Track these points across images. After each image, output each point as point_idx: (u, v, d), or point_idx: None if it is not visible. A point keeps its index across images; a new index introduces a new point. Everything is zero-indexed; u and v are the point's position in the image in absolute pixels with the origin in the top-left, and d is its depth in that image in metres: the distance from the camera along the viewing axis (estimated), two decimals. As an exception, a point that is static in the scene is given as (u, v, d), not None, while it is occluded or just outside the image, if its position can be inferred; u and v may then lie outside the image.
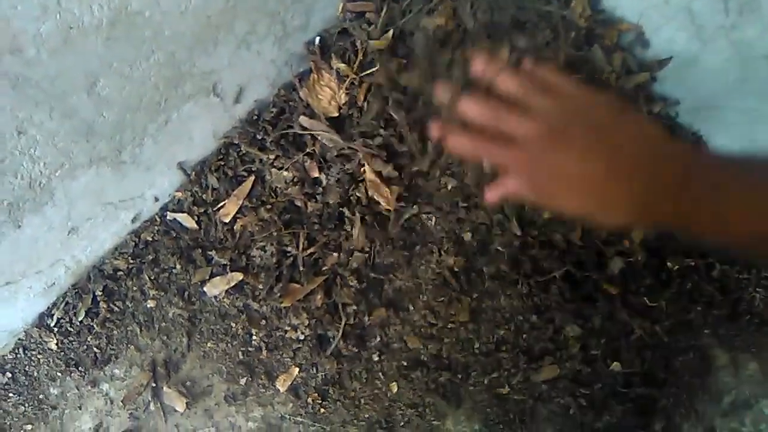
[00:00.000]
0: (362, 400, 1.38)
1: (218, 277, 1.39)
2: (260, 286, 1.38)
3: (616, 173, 0.57)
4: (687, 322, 1.38)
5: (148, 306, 1.42)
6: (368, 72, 1.37)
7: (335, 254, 1.39)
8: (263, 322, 1.40)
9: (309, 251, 1.39)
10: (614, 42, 1.34)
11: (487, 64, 0.65)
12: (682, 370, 1.40)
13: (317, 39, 1.39)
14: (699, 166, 0.57)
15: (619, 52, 1.34)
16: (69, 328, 1.42)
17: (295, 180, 1.39)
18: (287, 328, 1.38)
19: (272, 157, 1.39)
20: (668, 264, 1.36)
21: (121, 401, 1.39)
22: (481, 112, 0.63)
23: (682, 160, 0.58)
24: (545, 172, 0.60)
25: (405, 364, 1.38)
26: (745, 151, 0.60)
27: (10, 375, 1.43)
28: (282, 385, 1.37)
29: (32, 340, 1.42)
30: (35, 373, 1.42)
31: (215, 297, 1.40)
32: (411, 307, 1.40)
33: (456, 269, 1.39)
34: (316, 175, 1.39)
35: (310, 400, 1.37)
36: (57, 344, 1.42)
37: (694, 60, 1.25)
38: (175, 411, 1.39)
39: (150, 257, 1.43)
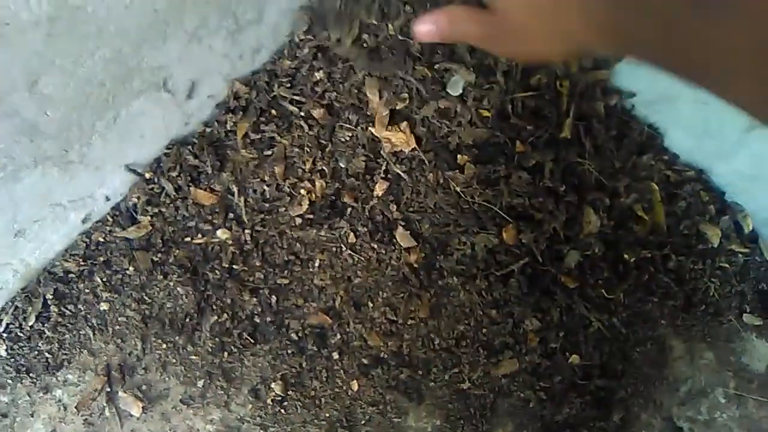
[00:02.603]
0: (323, 399, 1.37)
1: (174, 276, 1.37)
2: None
3: None
4: (644, 313, 1.40)
5: (101, 309, 1.38)
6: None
7: (293, 252, 1.38)
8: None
9: (266, 250, 1.37)
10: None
11: None
12: (640, 361, 1.42)
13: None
14: None
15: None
16: (19, 334, 1.37)
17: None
18: (245, 328, 1.37)
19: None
20: (625, 256, 1.38)
21: (75, 407, 1.35)
22: None
23: None
24: None
25: (365, 361, 1.37)
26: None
27: (-43, 383, 1.38)
28: (240, 386, 1.35)
29: (-20, 347, 1.38)
30: (-16, 381, 1.38)
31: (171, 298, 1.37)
32: (370, 304, 1.38)
33: (415, 265, 1.38)
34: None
35: (269, 400, 1.35)
36: (6, 350, 1.37)
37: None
38: (131, 416, 1.35)
39: (102, 259, 1.39)
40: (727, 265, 1.43)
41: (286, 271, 1.39)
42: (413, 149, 1.35)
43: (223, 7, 1.21)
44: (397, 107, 1.36)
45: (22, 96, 0.99)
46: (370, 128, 1.36)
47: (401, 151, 1.36)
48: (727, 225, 1.43)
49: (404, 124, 1.35)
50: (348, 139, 1.37)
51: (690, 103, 1.29)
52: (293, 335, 1.38)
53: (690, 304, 1.41)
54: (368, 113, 1.37)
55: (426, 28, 0.59)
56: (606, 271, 1.38)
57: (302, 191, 1.38)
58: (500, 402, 1.38)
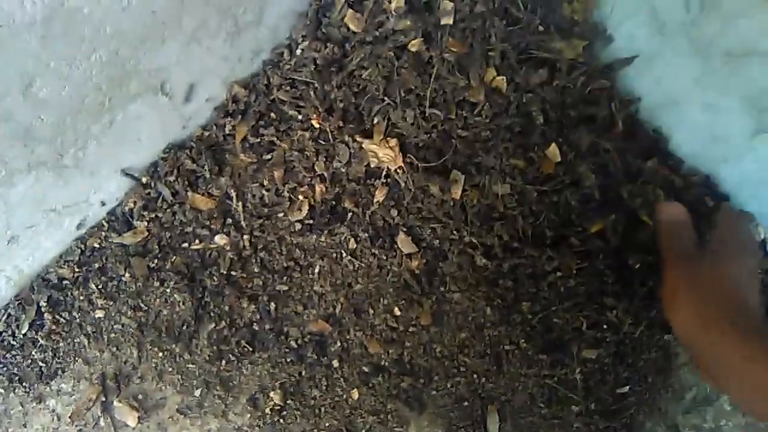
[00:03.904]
0: (322, 409, 1.34)
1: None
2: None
3: None
4: (648, 319, 1.37)
5: (96, 316, 1.35)
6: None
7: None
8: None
9: (265, 256, 1.34)
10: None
11: None
12: (645, 369, 1.40)
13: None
14: None
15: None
16: (12, 342, 1.34)
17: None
18: (244, 335, 1.34)
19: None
20: (629, 262, 1.36)
21: (69, 417, 1.32)
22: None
23: None
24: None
25: (366, 370, 1.35)
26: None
27: (-52, 393, 1.35)
28: (239, 395, 1.33)
29: (-28, 356, 1.35)
30: (-24, 391, 1.35)
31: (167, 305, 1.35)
32: (371, 311, 1.36)
33: (417, 271, 1.36)
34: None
35: (268, 410, 1.33)
36: (-1, 359, 1.34)
37: (655, 56, 1.25)
38: (127, 426, 1.32)
39: (97, 265, 1.36)
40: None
41: (285, 278, 1.37)
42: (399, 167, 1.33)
43: (223, 9, 1.19)
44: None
45: (15, 99, 0.97)
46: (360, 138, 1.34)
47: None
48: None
49: (393, 141, 1.33)
50: (349, 143, 1.34)
51: (696, 106, 1.27)
52: (292, 343, 1.35)
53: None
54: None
55: (675, 210, 1.13)
56: (609, 277, 1.36)
57: (301, 196, 1.36)
58: (503, 411, 1.36)
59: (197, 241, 1.37)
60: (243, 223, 1.37)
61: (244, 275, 1.36)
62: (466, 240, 1.34)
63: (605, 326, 1.36)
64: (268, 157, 1.38)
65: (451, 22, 1.28)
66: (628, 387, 1.39)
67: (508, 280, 1.35)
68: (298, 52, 1.38)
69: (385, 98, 1.32)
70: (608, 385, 1.38)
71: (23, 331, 1.34)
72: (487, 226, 1.34)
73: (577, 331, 1.36)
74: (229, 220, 1.38)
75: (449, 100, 1.32)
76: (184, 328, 1.35)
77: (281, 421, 1.33)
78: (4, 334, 1.34)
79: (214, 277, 1.36)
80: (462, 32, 1.30)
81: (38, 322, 1.35)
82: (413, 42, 1.30)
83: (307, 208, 1.35)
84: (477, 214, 1.33)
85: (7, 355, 1.34)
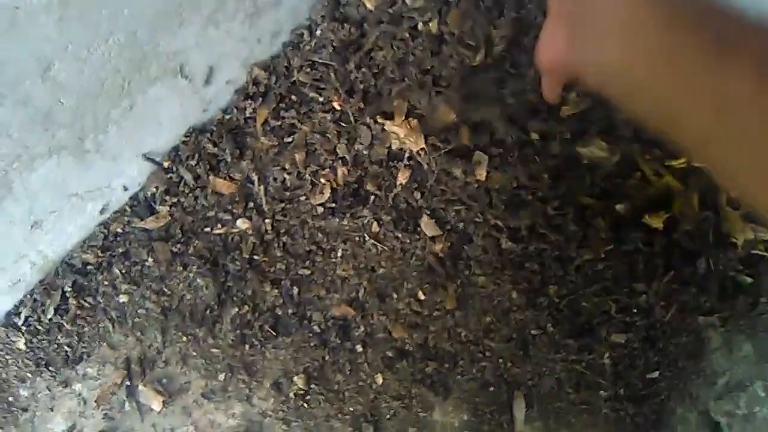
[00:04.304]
0: (346, 393, 1.33)
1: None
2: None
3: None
4: (680, 303, 1.34)
5: (121, 301, 1.35)
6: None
7: (315, 242, 1.34)
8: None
9: (287, 240, 1.33)
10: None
11: None
12: (676, 354, 1.36)
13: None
14: None
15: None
16: (38, 327, 1.35)
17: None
18: (267, 320, 1.33)
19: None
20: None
21: (95, 401, 1.33)
22: None
23: None
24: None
25: (389, 354, 1.33)
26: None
27: (-23, 377, 1.36)
28: (262, 379, 1.32)
29: (-1, 340, 1.36)
30: (4, 375, 1.36)
31: (191, 290, 1.35)
32: (395, 295, 1.34)
33: (441, 255, 1.33)
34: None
35: (292, 394, 1.32)
36: (26, 344, 1.35)
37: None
38: (152, 410, 1.33)
39: (120, 250, 1.36)
40: (765, 254, 1.37)
41: (307, 262, 1.36)
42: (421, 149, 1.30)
43: (241, -11, 1.17)
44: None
45: (34, 83, 0.96)
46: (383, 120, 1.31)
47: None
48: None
49: (415, 122, 1.30)
50: (371, 124, 1.32)
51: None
52: (315, 327, 1.34)
53: (726, 295, 1.35)
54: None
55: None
56: (639, 260, 1.32)
57: (323, 179, 1.34)
58: (530, 396, 1.34)
59: (219, 226, 1.36)
60: (265, 207, 1.36)
61: (267, 259, 1.35)
62: (491, 222, 1.31)
63: (635, 310, 1.33)
64: (290, 140, 1.36)
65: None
66: (658, 372, 1.36)
67: (535, 263, 1.32)
68: (318, 32, 1.36)
69: (405, 79, 1.30)
70: (638, 370, 1.35)
71: (49, 316, 1.35)
72: (512, 208, 1.31)
73: (605, 315, 1.33)
74: (251, 204, 1.37)
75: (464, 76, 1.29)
76: (208, 312, 1.35)
77: (305, 405, 1.32)
78: (30, 318, 1.35)
79: (237, 262, 1.35)
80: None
81: (63, 307, 1.36)
82: (426, 21, 1.28)
83: (329, 191, 1.34)
84: (500, 197, 1.31)
85: (34, 340, 1.35)
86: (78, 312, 1.35)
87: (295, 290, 1.35)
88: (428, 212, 1.33)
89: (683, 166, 1.34)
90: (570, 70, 0.56)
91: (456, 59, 1.29)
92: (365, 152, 1.34)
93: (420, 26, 1.30)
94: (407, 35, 1.29)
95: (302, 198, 1.35)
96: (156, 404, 1.32)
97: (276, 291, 1.34)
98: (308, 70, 1.36)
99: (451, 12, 1.28)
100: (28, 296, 1.35)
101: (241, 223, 1.35)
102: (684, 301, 1.33)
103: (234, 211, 1.36)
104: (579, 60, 0.53)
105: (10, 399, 1.35)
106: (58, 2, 0.89)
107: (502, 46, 1.29)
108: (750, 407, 1.36)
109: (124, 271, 1.36)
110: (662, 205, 1.32)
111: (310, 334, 1.34)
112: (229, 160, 1.36)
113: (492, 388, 1.34)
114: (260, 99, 1.37)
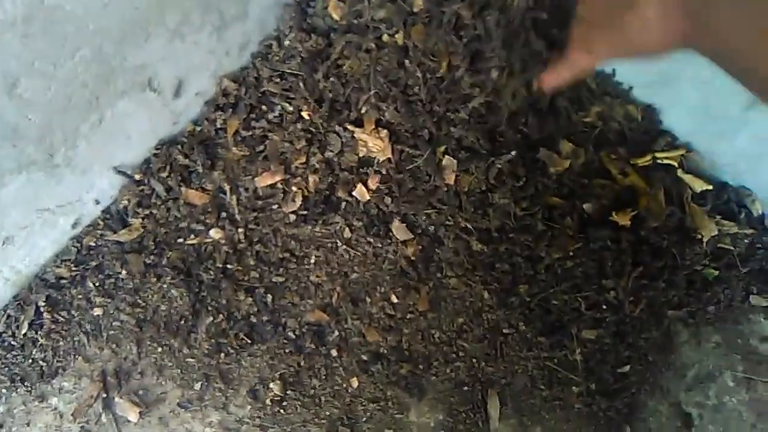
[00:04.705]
0: (322, 398, 1.34)
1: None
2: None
3: None
4: (648, 298, 1.37)
5: (95, 314, 1.36)
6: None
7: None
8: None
9: (260, 248, 1.34)
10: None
11: None
12: (645, 348, 1.39)
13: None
14: None
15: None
16: (12, 343, 1.35)
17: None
18: (242, 328, 1.34)
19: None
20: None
21: (72, 415, 1.33)
22: None
23: None
24: None
25: (364, 358, 1.35)
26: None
27: (-48, 395, 1.36)
28: (239, 387, 1.33)
29: (-26, 357, 1.36)
30: (-22, 391, 1.36)
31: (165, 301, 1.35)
32: (368, 300, 1.36)
33: (413, 258, 1.35)
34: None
35: (268, 401, 1.33)
36: (0, 360, 1.35)
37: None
38: (129, 421, 1.33)
39: (94, 263, 1.36)
40: (731, 247, 1.40)
41: (281, 269, 1.37)
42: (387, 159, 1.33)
43: (206, 3, 1.19)
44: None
45: (1, 100, 0.97)
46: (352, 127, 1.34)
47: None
48: (730, 207, 1.40)
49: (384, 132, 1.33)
50: (340, 132, 1.34)
51: (690, 82, 1.26)
52: (290, 334, 1.36)
53: (694, 288, 1.39)
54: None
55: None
56: (607, 257, 1.35)
57: (295, 187, 1.36)
58: (504, 394, 1.36)
59: (192, 236, 1.37)
60: (237, 217, 1.37)
61: (240, 268, 1.37)
62: (461, 225, 1.34)
63: (604, 306, 1.36)
64: (261, 149, 1.38)
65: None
66: (629, 366, 1.39)
67: (505, 263, 1.34)
68: (286, 43, 1.38)
69: (371, 88, 1.32)
70: (609, 365, 1.38)
71: (23, 331, 1.35)
72: (482, 210, 1.33)
73: (576, 312, 1.36)
74: (224, 214, 1.38)
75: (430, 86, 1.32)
76: (182, 322, 1.36)
77: (282, 411, 1.34)
78: (4, 334, 1.35)
79: (211, 271, 1.36)
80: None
81: (37, 322, 1.36)
82: (392, 33, 1.30)
83: (301, 199, 1.35)
84: (470, 199, 1.33)
85: (8, 356, 1.35)
86: (52, 326, 1.35)
87: (270, 298, 1.36)
88: (399, 217, 1.36)
89: (648, 164, 1.37)
90: (663, 48, 0.68)
91: (421, 69, 1.31)
92: (335, 160, 1.36)
93: (385, 38, 1.32)
94: (373, 45, 1.31)
95: (274, 206, 1.37)
96: (133, 415, 1.32)
97: (250, 299, 1.36)
98: (277, 80, 1.38)
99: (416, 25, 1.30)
100: (2, 312, 1.35)
101: (214, 233, 1.36)
102: (653, 296, 1.36)
103: (207, 221, 1.37)
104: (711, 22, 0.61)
105: (-14, 416, 1.35)
106: (22, 19, 0.90)
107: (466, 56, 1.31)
108: (720, 398, 1.39)
109: (97, 284, 1.36)
110: (628, 203, 1.35)
111: (285, 341, 1.36)
112: (200, 171, 1.37)
113: (466, 388, 1.36)
114: (230, 110, 1.39)
